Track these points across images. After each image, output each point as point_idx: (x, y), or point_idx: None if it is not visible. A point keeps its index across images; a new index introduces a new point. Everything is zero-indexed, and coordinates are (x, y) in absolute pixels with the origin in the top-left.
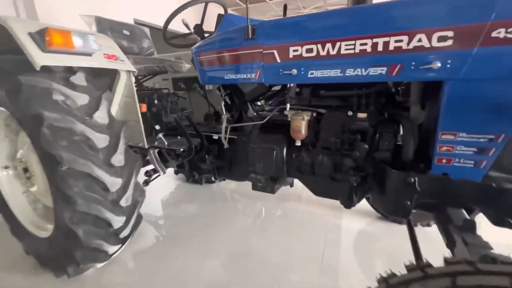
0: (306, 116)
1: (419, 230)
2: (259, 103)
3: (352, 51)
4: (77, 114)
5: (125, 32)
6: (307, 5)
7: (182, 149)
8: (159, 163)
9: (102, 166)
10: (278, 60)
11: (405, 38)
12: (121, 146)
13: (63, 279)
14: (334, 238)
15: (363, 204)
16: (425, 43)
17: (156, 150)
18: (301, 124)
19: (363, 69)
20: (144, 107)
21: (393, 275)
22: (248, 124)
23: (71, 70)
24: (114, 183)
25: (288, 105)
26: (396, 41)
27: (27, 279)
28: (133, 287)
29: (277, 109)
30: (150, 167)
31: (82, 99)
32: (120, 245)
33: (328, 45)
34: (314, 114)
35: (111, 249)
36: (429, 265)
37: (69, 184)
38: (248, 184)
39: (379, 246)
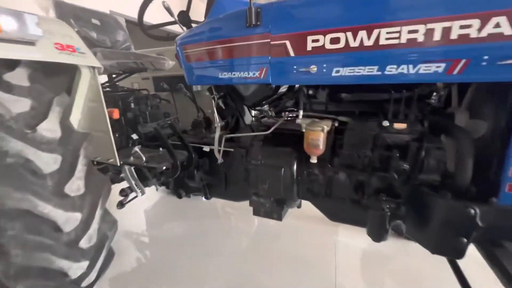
0: (326, 126)
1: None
2: (263, 109)
3: (396, 41)
4: (11, 126)
5: (94, 21)
6: None
7: (164, 167)
8: (136, 182)
9: (50, 199)
10: (292, 54)
11: (475, 22)
12: (81, 168)
13: None
14: (344, 258)
15: None
16: (506, 28)
17: (132, 167)
18: (319, 137)
19: (411, 66)
20: (117, 113)
21: None
22: (247, 134)
23: (7, 65)
24: (68, 220)
25: (301, 112)
26: (462, 27)
27: None
28: None
29: (286, 116)
30: (126, 183)
31: (21, 105)
32: None
33: (362, 33)
34: (336, 124)
35: None
36: None
37: (0, 228)
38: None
39: (392, 267)
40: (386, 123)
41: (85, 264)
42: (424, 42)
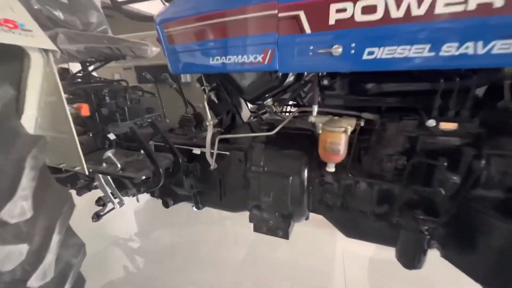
0: (349, 125)
1: None
2: (266, 103)
3: (459, 8)
4: None
5: None
6: None
7: (144, 177)
8: (113, 191)
9: None
10: (307, 30)
11: None
12: (26, 184)
13: None
14: (353, 268)
15: None
16: None
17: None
18: (341, 140)
19: (480, 44)
20: (86, 109)
21: None
22: (246, 135)
23: None
24: (9, 255)
25: (315, 108)
26: None
27: None
28: None
29: (295, 112)
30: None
31: None
32: None
33: None
34: (362, 123)
35: None
36: None
37: None
38: None
39: (402, 274)
40: (432, 123)
41: None
42: (501, 9)
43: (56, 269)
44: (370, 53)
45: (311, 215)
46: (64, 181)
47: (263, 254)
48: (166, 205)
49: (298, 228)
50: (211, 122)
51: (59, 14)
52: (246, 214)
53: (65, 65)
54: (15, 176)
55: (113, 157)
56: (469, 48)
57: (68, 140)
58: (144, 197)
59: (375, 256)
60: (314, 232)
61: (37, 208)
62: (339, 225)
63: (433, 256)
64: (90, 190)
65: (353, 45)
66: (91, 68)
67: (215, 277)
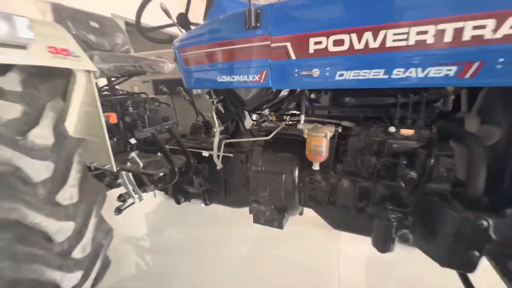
0: (329, 131)
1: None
2: (263, 113)
3: (404, 43)
4: (1, 133)
5: (93, 24)
6: None
7: (161, 174)
8: (134, 187)
9: (41, 208)
10: (293, 57)
11: (491, 22)
12: (74, 175)
13: None
14: (347, 269)
15: None
16: None
17: (129, 173)
18: (322, 143)
19: (419, 69)
20: (114, 117)
21: None
22: (247, 140)
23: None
24: (61, 230)
25: (303, 117)
26: (475, 28)
27: None
28: None
29: (287, 121)
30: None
31: (12, 111)
32: None
33: (368, 35)
34: (339, 130)
35: None
36: None
37: None
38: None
39: (396, 274)
40: (392, 129)
41: (78, 274)
42: (434, 44)
43: (92, 246)
44: (340, 75)
45: (311, 217)
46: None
47: (264, 252)
48: (178, 201)
49: (299, 229)
50: (218, 129)
51: (91, 37)
52: (248, 214)
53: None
54: (66, 169)
55: (136, 158)
56: (412, 72)
57: (100, 143)
58: (154, 200)
59: (371, 255)
60: (313, 233)
61: (81, 195)
62: (327, 219)
63: (425, 256)
64: (112, 188)
65: (327, 69)
66: (115, 82)
67: (218, 273)
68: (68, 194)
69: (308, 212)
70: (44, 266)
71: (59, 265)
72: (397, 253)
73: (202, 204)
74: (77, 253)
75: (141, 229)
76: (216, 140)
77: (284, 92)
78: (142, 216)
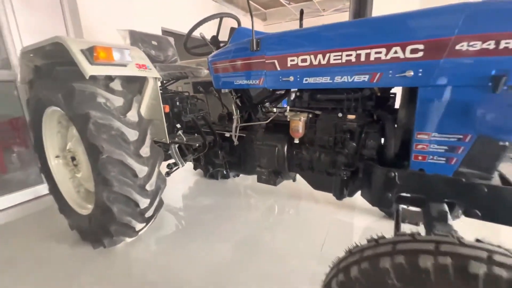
0: (303, 117)
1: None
2: (266, 105)
3: (339, 61)
4: (114, 113)
5: (153, 42)
6: (327, 8)
7: (197, 144)
8: (178, 156)
9: (132, 156)
10: (278, 69)
11: (383, 50)
12: (148, 141)
13: (99, 250)
14: (335, 232)
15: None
16: (400, 54)
17: (176, 145)
18: (298, 124)
19: (348, 77)
20: (167, 108)
21: (355, 246)
22: (254, 124)
23: (110, 78)
24: (141, 170)
25: (288, 107)
26: (376, 53)
27: (72, 250)
28: (154, 261)
29: (279, 110)
30: (171, 161)
31: (119, 101)
32: (144, 224)
33: (319, 56)
34: (310, 115)
35: (138, 226)
36: (382, 237)
37: (108, 170)
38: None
39: None
40: (340, 115)
41: (148, 201)
42: (356, 62)
43: (155, 186)
44: (306, 80)
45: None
46: None
47: (270, 218)
48: (207, 170)
49: (304, 215)
50: (236, 117)
51: (152, 52)
52: (263, 191)
53: None
54: (143, 136)
55: (182, 134)
56: (345, 78)
57: (159, 124)
58: (191, 177)
59: (358, 226)
60: (313, 207)
61: (151, 153)
62: (309, 181)
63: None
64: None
65: (298, 76)
66: (166, 84)
67: (236, 224)
68: (145, 151)
69: (313, 200)
70: (132, 189)
71: (139, 191)
72: (383, 226)
73: (224, 171)
74: (148, 187)
75: (178, 197)
76: (234, 125)
77: (281, 91)
78: (179, 189)
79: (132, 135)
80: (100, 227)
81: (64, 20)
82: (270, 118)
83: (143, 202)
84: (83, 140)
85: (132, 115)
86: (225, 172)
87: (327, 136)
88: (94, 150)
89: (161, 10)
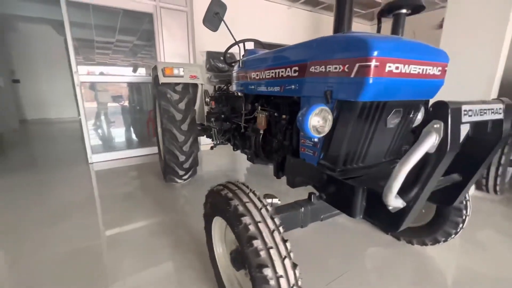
0: (264, 114)
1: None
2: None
3: (269, 76)
4: (172, 103)
5: (221, 58)
6: None
7: (218, 128)
8: (215, 135)
9: (177, 129)
10: (249, 80)
11: (282, 69)
12: (187, 121)
13: (164, 184)
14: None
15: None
16: (288, 73)
17: (216, 129)
18: (262, 120)
19: (272, 87)
20: (213, 104)
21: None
22: (249, 117)
23: (176, 84)
24: (180, 137)
25: (259, 108)
26: (281, 71)
27: (159, 181)
28: (192, 199)
29: (258, 110)
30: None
31: (176, 96)
32: (184, 172)
33: (262, 72)
34: (266, 114)
35: (180, 172)
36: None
37: (165, 134)
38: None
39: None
40: (275, 114)
41: (184, 157)
42: (273, 77)
43: (189, 149)
44: (258, 88)
45: None
46: None
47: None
48: (236, 147)
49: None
50: (244, 112)
51: (219, 65)
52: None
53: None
54: (185, 118)
55: (213, 121)
56: (271, 88)
57: (201, 112)
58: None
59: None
60: None
61: (188, 128)
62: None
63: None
64: (203, 135)
65: (256, 85)
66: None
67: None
68: (184, 126)
69: None
70: (175, 147)
71: (178, 149)
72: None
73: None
74: (184, 148)
75: (214, 166)
76: (242, 117)
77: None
78: (215, 161)
79: (178, 116)
80: (164, 168)
81: (188, 45)
82: (252, 115)
83: (181, 157)
84: (159, 116)
85: (181, 105)
86: (234, 150)
87: (271, 129)
88: (161, 123)
89: (257, 26)
